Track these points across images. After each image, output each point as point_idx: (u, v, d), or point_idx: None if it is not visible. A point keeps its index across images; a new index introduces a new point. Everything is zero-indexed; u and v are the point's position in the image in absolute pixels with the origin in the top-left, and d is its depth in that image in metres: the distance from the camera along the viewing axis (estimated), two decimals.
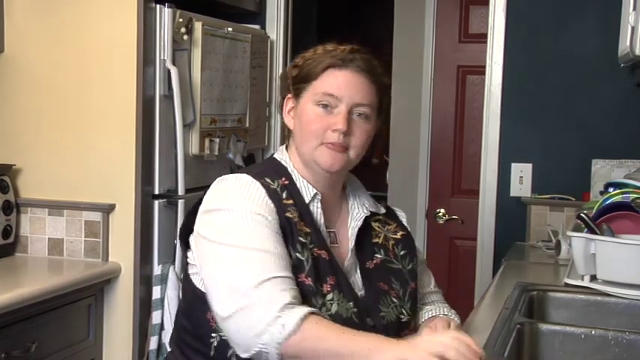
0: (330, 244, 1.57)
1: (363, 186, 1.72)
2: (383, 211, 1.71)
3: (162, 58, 2.60)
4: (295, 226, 1.50)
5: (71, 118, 2.58)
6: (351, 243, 1.62)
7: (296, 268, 1.46)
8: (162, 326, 2.53)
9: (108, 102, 2.54)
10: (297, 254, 1.48)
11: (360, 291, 1.58)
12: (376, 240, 1.65)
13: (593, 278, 2.18)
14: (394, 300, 1.60)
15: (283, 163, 1.62)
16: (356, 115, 1.56)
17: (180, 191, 2.63)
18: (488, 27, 3.19)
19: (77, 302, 2.44)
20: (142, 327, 2.54)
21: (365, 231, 1.65)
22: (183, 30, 2.67)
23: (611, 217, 2.26)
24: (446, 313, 1.75)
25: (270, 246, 1.44)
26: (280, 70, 3.43)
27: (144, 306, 2.55)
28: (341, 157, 1.56)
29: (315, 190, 1.59)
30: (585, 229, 2.20)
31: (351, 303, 1.51)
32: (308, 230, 1.52)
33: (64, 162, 2.59)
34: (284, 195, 1.54)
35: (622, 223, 2.25)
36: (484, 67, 3.21)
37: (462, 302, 3.34)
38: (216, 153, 2.87)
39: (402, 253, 1.68)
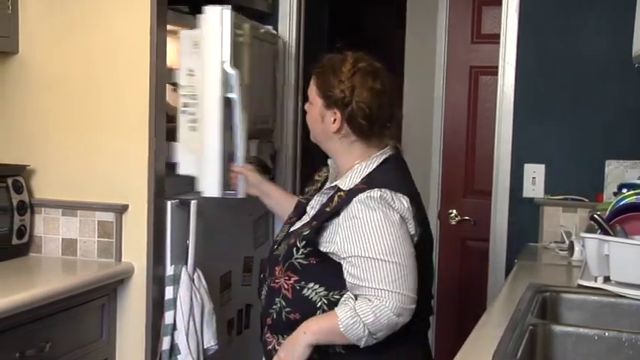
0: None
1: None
2: (346, 188, 1.97)
3: (222, 60, 2.58)
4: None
5: (85, 118, 2.59)
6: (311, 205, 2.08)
7: None
8: (174, 326, 2.54)
9: (121, 103, 2.55)
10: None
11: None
12: (327, 208, 1.98)
13: (607, 279, 2.17)
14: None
15: None
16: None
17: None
18: (500, 28, 3.19)
19: (90, 302, 2.45)
20: (155, 327, 2.55)
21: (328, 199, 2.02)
22: (239, 32, 2.65)
23: (625, 218, 2.26)
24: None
25: None
26: (293, 71, 3.43)
27: (156, 306, 2.56)
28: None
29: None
30: (599, 231, 2.19)
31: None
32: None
33: (77, 162, 2.60)
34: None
35: (636, 225, 2.24)
36: (497, 67, 3.20)
37: (474, 303, 3.35)
38: (254, 154, 2.87)
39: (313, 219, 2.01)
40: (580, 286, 2.22)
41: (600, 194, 3.00)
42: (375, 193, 1.89)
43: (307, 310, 1.95)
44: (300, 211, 2.13)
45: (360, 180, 1.96)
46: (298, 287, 1.97)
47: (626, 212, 2.27)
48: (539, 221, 3.11)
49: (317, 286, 1.95)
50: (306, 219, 2.04)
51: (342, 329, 1.83)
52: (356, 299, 1.87)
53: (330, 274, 1.93)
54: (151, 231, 2.54)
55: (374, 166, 1.99)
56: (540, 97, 3.14)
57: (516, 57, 3.14)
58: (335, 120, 1.99)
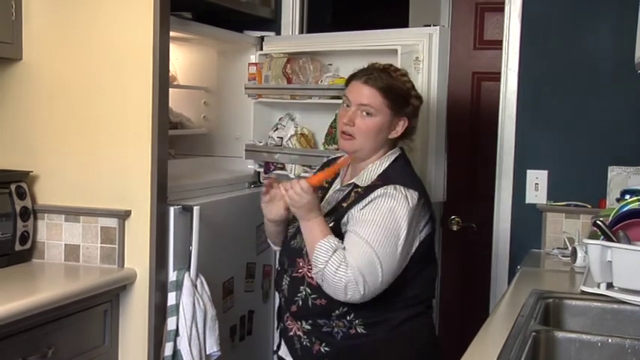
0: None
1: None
2: (364, 185, 2.20)
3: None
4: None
5: (88, 124, 2.60)
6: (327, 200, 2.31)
7: None
8: (177, 332, 2.54)
9: (124, 109, 2.55)
10: None
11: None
12: (343, 204, 2.21)
13: (610, 286, 2.17)
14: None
15: None
16: (360, 111, 2.21)
17: None
18: (503, 33, 3.18)
19: (93, 308, 2.45)
20: (157, 333, 2.55)
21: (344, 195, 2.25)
22: None
23: (628, 224, 2.25)
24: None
25: None
26: None
27: (159, 312, 2.56)
28: (349, 142, 2.23)
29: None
30: (601, 237, 2.19)
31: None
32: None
33: (80, 168, 2.61)
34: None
35: (639, 231, 2.24)
36: (499, 73, 3.20)
37: (477, 310, 3.34)
38: None
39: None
40: (583, 292, 2.21)
41: (603, 200, 3.00)
42: (390, 189, 2.13)
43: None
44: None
45: (376, 177, 2.20)
46: None
47: (629, 218, 2.27)
48: (542, 227, 3.10)
49: None
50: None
51: (316, 246, 2.09)
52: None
53: None
54: (153, 237, 2.54)
55: (386, 165, 2.24)
56: (543, 103, 3.14)
57: (519, 63, 3.14)
58: (404, 128, 2.26)
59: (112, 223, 2.57)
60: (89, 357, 2.44)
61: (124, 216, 2.56)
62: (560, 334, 1.85)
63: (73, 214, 2.61)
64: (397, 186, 2.13)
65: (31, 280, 2.46)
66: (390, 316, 2.16)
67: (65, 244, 2.62)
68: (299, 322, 2.22)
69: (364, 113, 2.20)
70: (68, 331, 2.33)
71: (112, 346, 2.55)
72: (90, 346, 2.45)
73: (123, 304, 2.57)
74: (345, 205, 2.20)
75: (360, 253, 2.06)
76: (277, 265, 2.41)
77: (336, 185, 2.35)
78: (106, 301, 2.51)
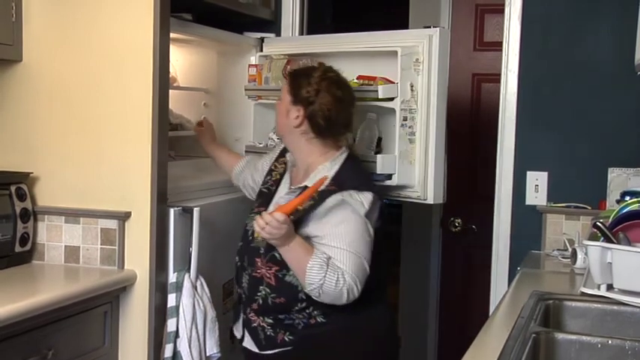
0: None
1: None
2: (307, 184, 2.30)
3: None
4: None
5: (88, 126, 2.60)
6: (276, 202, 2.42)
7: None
8: (177, 334, 2.54)
9: (124, 110, 2.55)
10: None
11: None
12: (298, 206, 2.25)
13: (610, 287, 2.17)
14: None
15: None
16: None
17: None
18: (503, 35, 3.19)
19: (93, 309, 2.45)
20: (157, 335, 2.55)
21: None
22: None
23: (628, 225, 2.25)
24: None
25: None
26: None
27: (159, 313, 2.56)
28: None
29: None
30: (602, 238, 2.19)
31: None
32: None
33: (80, 170, 2.61)
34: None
35: (639, 232, 2.24)
36: (499, 75, 3.20)
37: (477, 311, 3.35)
38: None
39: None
40: (583, 293, 2.21)
41: (603, 202, 3.00)
42: (346, 196, 2.24)
43: (291, 293, 2.28)
44: (265, 199, 2.46)
45: (329, 180, 2.28)
46: (280, 275, 2.28)
47: (629, 220, 2.27)
48: (542, 229, 3.10)
49: None
50: None
51: (307, 267, 2.16)
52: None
53: None
54: (153, 238, 2.54)
55: (337, 167, 2.33)
56: (543, 105, 3.14)
57: (519, 64, 3.14)
58: (298, 116, 2.34)
59: (112, 224, 2.57)
60: (89, 358, 2.44)
61: (124, 217, 2.56)
62: (560, 336, 1.85)
63: (73, 215, 2.61)
64: (352, 192, 2.25)
65: (31, 282, 2.46)
66: (347, 306, 2.24)
67: (65, 246, 2.62)
68: (261, 317, 2.35)
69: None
70: (68, 333, 2.33)
71: (112, 347, 2.55)
72: (90, 348, 2.45)
73: (123, 306, 2.57)
74: (300, 207, 2.24)
75: (348, 259, 2.19)
76: (237, 260, 2.47)
77: (284, 186, 2.45)
78: (106, 302, 2.50)
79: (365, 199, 2.26)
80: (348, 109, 2.42)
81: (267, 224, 2.16)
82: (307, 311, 2.30)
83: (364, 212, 2.24)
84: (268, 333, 2.35)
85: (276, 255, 2.28)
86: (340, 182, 2.29)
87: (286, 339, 2.32)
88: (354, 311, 2.28)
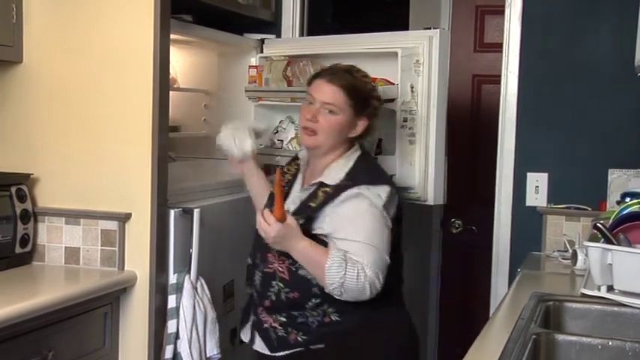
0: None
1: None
2: (331, 183, 2.25)
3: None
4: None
5: (88, 127, 2.60)
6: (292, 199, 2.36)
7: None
8: (177, 335, 2.54)
9: (124, 111, 2.55)
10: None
11: None
12: (311, 203, 2.25)
13: (610, 288, 2.17)
14: None
15: None
16: (323, 109, 2.27)
17: None
18: (503, 36, 3.19)
19: (93, 311, 2.45)
20: (158, 336, 2.55)
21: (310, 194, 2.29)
22: None
23: (628, 227, 2.25)
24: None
25: None
26: None
27: (159, 315, 2.56)
28: (311, 138, 2.29)
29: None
30: (602, 239, 2.19)
31: None
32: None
33: (80, 171, 2.61)
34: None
35: (639, 233, 2.24)
36: (499, 76, 3.20)
37: (477, 312, 3.35)
38: None
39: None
40: (583, 295, 2.21)
41: (603, 203, 3.00)
42: (362, 189, 2.21)
43: (305, 287, 2.22)
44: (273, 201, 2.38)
45: (344, 175, 2.26)
46: (294, 269, 2.23)
47: (629, 221, 2.27)
48: (542, 230, 3.11)
49: None
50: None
51: (326, 267, 2.11)
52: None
53: None
54: (154, 239, 2.55)
55: (352, 163, 2.31)
56: (543, 106, 3.14)
57: (519, 65, 3.14)
58: (364, 128, 2.33)
59: (113, 225, 2.57)
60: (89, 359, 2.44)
61: (124, 218, 2.56)
62: (560, 337, 1.85)
63: (73, 216, 2.61)
64: (369, 186, 2.23)
65: (31, 283, 2.46)
66: (363, 304, 2.19)
67: (65, 247, 2.62)
68: (273, 315, 2.29)
69: (327, 111, 2.27)
70: (68, 334, 2.33)
71: (112, 348, 2.55)
72: (90, 349, 2.45)
73: (123, 307, 2.57)
74: (313, 204, 2.24)
75: (366, 253, 2.13)
76: (249, 261, 2.45)
77: (297, 187, 2.41)
78: (106, 303, 2.51)
79: (382, 191, 2.23)
80: None
81: (259, 225, 2.17)
82: (322, 308, 2.23)
83: (381, 204, 2.21)
84: (280, 333, 2.28)
85: None
86: (355, 177, 2.26)
87: (299, 339, 2.26)
88: (372, 309, 2.21)
